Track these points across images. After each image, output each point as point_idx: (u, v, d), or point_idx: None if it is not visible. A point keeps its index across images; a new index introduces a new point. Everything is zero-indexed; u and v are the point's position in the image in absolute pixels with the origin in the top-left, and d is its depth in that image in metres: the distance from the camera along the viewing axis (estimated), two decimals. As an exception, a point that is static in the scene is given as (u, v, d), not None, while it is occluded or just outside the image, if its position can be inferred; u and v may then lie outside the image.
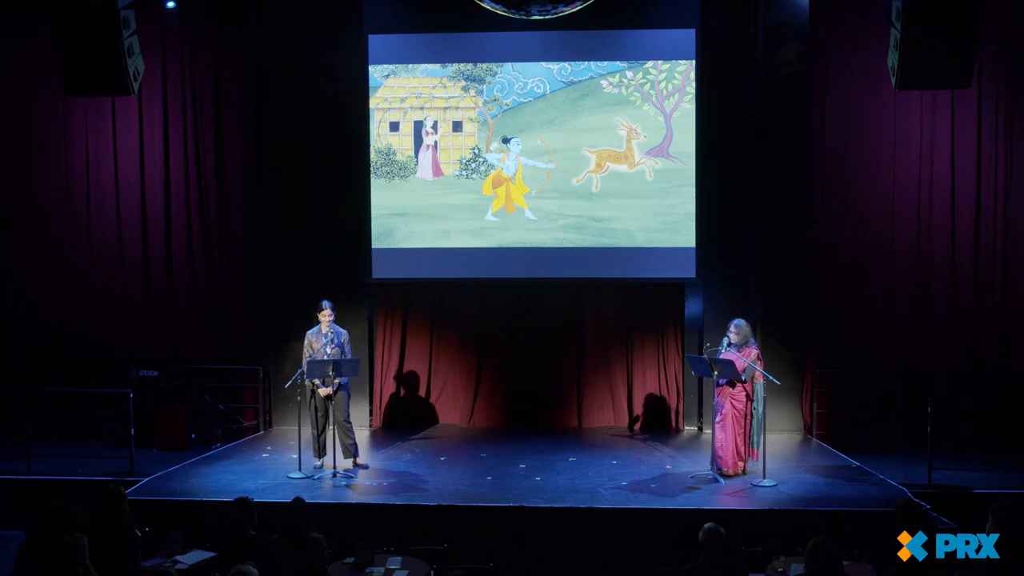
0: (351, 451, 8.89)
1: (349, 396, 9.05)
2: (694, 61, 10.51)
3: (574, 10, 7.31)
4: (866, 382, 10.12)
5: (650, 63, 10.59)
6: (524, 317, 11.00)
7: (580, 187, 10.66)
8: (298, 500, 6.40)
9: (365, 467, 8.92)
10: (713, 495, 8.03)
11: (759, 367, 8.46)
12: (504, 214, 10.74)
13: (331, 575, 6.03)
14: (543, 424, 10.83)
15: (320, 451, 8.87)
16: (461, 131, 10.75)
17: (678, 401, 10.90)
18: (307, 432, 8.94)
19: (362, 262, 10.85)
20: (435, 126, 10.75)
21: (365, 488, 8.34)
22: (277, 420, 10.80)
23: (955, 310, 10.15)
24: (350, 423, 8.97)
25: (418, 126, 10.78)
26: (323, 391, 8.76)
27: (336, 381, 8.69)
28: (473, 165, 10.75)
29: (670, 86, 10.56)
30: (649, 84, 10.59)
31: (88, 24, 7.79)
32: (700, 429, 10.73)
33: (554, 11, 7.23)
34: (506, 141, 10.69)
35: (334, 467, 8.67)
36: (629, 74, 10.60)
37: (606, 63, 10.60)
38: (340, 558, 6.23)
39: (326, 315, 8.87)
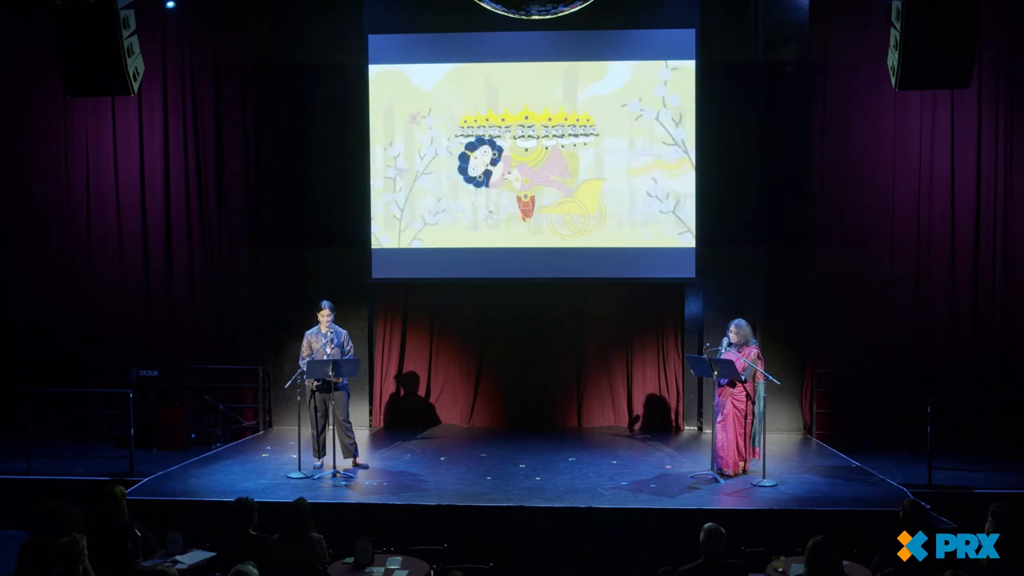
0: (351, 451, 8.90)
1: (348, 396, 9.05)
2: (694, 61, 10.50)
3: (574, 10, 7.30)
4: (866, 382, 10.12)
5: (650, 63, 10.59)
6: (524, 317, 11.00)
7: (580, 186, 10.65)
8: (301, 500, 6.40)
9: (365, 467, 8.92)
10: (713, 495, 8.03)
11: (760, 367, 8.46)
12: (505, 214, 10.73)
13: (331, 575, 6.03)
14: (543, 424, 10.83)
15: (320, 451, 8.88)
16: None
17: (678, 401, 10.90)
18: (307, 432, 8.94)
19: (362, 262, 10.84)
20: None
21: (365, 488, 8.34)
22: (277, 420, 10.82)
23: (955, 310, 10.14)
24: (350, 423, 8.97)
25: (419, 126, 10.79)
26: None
27: (336, 381, 8.69)
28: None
29: (670, 86, 10.56)
30: (649, 84, 10.57)
31: (88, 24, 7.77)
32: (700, 429, 10.73)
33: (554, 11, 7.22)
34: (506, 140, 10.69)
35: (334, 467, 8.68)
36: (629, 74, 10.59)
37: (606, 63, 10.59)
38: (340, 558, 6.23)
39: (325, 315, 8.87)
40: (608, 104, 10.56)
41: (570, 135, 10.50)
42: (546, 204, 10.61)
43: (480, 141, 10.55)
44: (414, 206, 10.77)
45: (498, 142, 10.59)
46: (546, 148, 10.57)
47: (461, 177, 10.63)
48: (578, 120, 10.46)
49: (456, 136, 10.64)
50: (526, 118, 10.52)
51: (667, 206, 10.56)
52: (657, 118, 10.55)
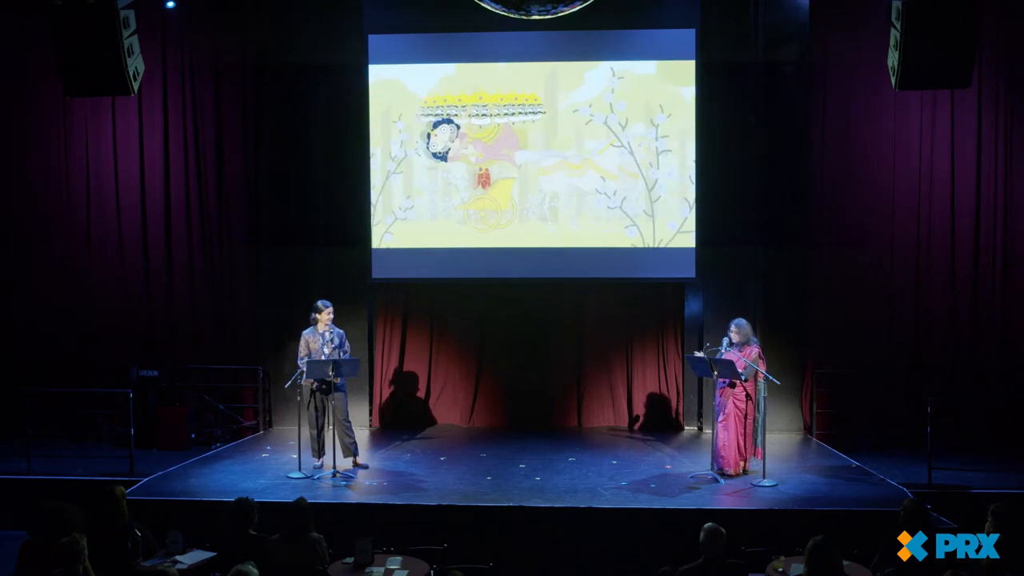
0: (351, 450, 8.89)
1: (347, 395, 9.04)
2: (694, 61, 10.51)
3: (574, 10, 7.29)
4: (866, 382, 10.12)
5: (650, 63, 10.59)
6: (524, 317, 11.00)
7: (580, 187, 10.65)
8: (301, 500, 6.40)
9: (365, 467, 8.92)
10: (713, 495, 8.03)
11: (761, 367, 8.46)
12: (504, 214, 10.73)
13: (331, 575, 6.04)
14: (543, 424, 10.83)
15: (319, 451, 8.87)
16: (463, 131, 10.74)
17: (678, 401, 10.90)
18: (307, 432, 8.94)
19: (362, 262, 10.84)
20: (438, 126, 10.73)
21: (365, 488, 8.34)
22: (277, 420, 10.82)
23: (955, 310, 10.14)
24: (349, 422, 8.97)
25: (420, 128, 10.80)
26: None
27: (335, 381, 8.69)
28: (474, 165, 10.74)
29: (670, 86, 10.56)
30: (649, 84, 10.58)
31: (88, 24, 7.77)
32: (700, 429, 10.74)
33: (554, 11, 7.21)
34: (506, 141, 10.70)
35: (334, 467, 8.68)
36: (629, 74, 10.59)
37: (606, 63, 10.59)
38: (340, 558, 6.23)
39: (325, 315, 8.85)
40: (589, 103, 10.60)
41: (519, 113, 10.60)
42: (498, 178, 10.71)
43: (441, 121, 10.70)
44: (415, 205, 10.77)
45: (456, 120, 10.69)
46: (499, 125, 10.65)
47: (427, 153, 10.75)
48: (527, 99, 10.60)
49: (421, 116, 10.75)
50: (480, 98, 10.65)
51: (667, 205, 10.57)
52: (657, 118, 10.56)
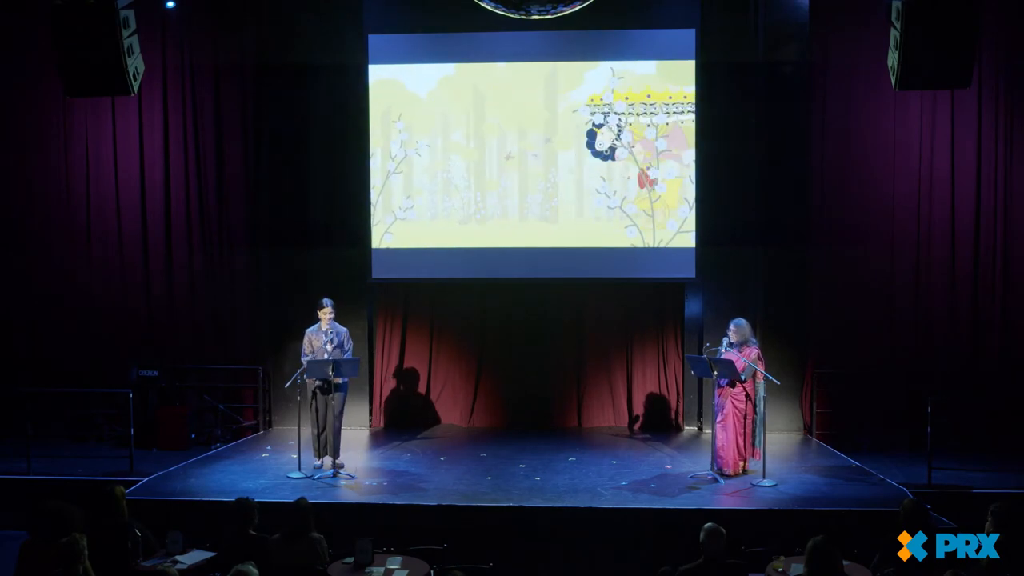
0: (336, 451, 8.88)
1: (345, 396, 9.03)
2: (694, 61, 10.51)
3: (574, 10, 7.30)
4: (866, 382, 10.12)
5: (650, 63, 10.59)
6: (524, 317, 11.01)
7: (579, 187, 10.65)
8: (301, 500, 6.41)
9: (341, 466, 8.87)
10: (713, 495, 8.03)
11: (760, 367, 8.46)
12: (503, 214, 10.73)
13: (331, 575, 6.04)
14: (543, 424, 10.83)
15: (320, 451, 8.87)
16: (462, 130, 10.74)
17: (678, 401, 10.90)
18: (307, 432, 8.94)
19: (362, 262, 10.85)
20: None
21: (365, 488, 8.34)
22: (277, 420, 10.82)
23: (955, 310, 10.14)
24: (340, 422, 8.97)
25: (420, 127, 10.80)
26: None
27: (337, 381, 8.69)
28: (474, 165, 10.75)
29: (670, 86, 10.56)
30: (649, 84, 10.58)
31: (88, 24, 7.76)
32: (700, 429, 10.74)
33: (554, 11, 7.22)
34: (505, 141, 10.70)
35: (334, 467, 8.68)
36: (629, 74, 10.59)
37: (606, 63, 10.59)
38: (340, 558, 6.23)
39: (327, 312, 8.86)
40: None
41: (688, 111, 10.55)
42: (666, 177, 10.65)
43: (604, 119, 10.64)
44: (414, 205, 10.77)
45: (621, 119, 10.63)
46: (666, 124, 10.59)
47: (589, 152, 10.65)
48: (685, 97, 10.55)
49: (584, 115, 10.66)
50: (648, 97, 10.60)
51: (667, 205, 10.57)
52: (657, 118, 10.55)
